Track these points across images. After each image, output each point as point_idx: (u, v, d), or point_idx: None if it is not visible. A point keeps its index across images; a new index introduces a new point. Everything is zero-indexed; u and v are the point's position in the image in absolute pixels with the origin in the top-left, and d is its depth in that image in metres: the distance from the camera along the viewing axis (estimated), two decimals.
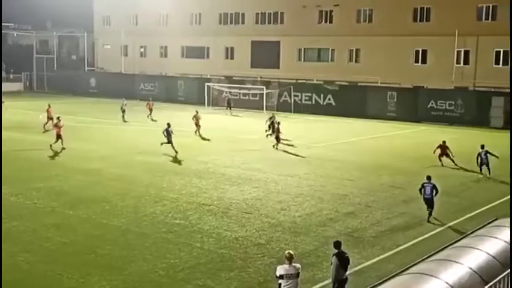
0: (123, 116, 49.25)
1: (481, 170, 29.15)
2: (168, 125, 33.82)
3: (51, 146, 33.53)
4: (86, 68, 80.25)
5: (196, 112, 42.41)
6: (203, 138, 39.70)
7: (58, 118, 35.33)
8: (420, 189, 21.45)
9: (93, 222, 20.27)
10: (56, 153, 32.83)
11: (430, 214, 21.17)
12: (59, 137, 33.95)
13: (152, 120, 49.21)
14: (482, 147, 29.11)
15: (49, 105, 43.97)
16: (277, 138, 35.76)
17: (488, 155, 28.77)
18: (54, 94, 73.38)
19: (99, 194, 23.98)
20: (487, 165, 28.78)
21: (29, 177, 26.02)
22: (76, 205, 22.27)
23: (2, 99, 49.59)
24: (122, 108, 49.72)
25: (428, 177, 21.53)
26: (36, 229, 19.30)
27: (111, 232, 19.24)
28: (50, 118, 42.08)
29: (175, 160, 31.73)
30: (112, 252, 17.28)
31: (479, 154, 29.01)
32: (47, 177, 26.89)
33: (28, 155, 32.23)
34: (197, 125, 41.39)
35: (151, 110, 51.16)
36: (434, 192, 21.04)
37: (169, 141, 33.34)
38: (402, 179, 28.25)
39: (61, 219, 20.51)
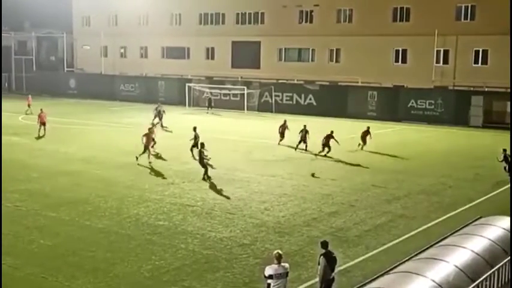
0: (160, 123, 44.68)
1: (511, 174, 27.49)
2: (194, 128, 32.43)
3: (137, 157, 30.85)
4: (65, 69, 79.61)
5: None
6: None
7: (149, 129, 32.40)
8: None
9: (76, 225, 20.11)
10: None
11: None
12: (146, 147, 31.21)
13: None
14: (505, 150, 28.15)
15: (41, 110, 40.89)
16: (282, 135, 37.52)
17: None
18: (33, 95, 72.44)
19: (81, 196, 23.77)
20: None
21: (10, 180, 25.73)
22: (58, 207, 22.06)
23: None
24: (159, 112, 45.45)
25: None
26: (19, 232, 19.08)
27: (94, 234, 19.09)
28: (42, 123, 40.11)
29: (157, 161, 31.54)
30: (96, 254, 17.15)
31: (505, 157, 27.94)
32: (28, 180, 26.62)
33: (9, 157, 31.78)
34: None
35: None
36: None
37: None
38: (383, 178, 28.43)
39: (44, 222, 20.32)
